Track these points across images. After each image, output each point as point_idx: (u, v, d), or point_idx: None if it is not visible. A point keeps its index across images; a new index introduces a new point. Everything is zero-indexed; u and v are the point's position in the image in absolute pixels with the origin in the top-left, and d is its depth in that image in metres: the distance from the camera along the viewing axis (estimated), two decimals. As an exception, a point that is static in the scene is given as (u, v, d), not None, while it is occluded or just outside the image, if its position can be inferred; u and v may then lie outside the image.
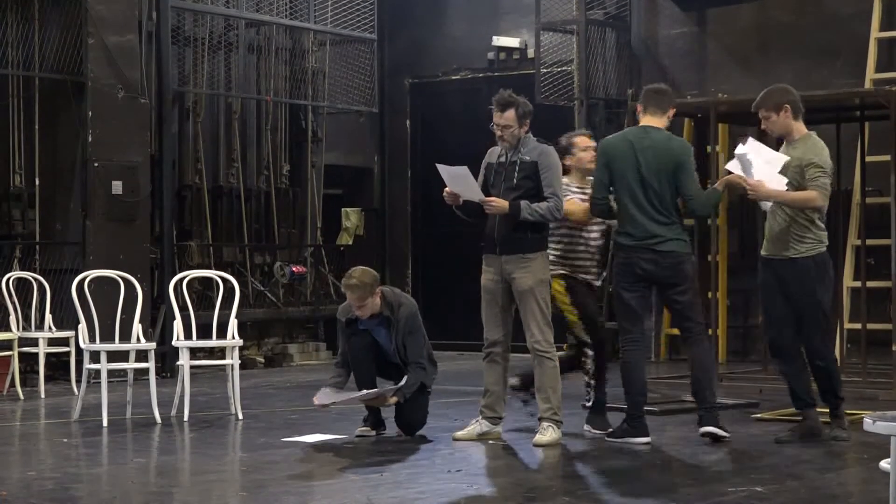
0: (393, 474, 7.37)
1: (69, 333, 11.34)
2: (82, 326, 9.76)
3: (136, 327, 9.98)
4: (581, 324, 8.75)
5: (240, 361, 10.11)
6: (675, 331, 14.29)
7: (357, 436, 8.72)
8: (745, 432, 8.72)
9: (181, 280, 10.30)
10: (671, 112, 8.49)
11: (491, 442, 8.44)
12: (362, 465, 7.76)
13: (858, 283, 11.98)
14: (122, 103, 12.60)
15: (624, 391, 8.42)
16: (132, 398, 9.86)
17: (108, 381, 9.48)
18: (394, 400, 8.62)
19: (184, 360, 9.77)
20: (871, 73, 13.33)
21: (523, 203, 8.26)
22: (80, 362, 10.32)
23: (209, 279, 12.00)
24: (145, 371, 9.85)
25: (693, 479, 7.21)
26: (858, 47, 13.50)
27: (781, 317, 8.36)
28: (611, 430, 8.56)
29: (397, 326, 8.67)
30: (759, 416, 9.53)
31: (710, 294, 11.47)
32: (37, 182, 12.67)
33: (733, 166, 8.28)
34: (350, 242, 15.65)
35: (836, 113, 11.85)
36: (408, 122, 16.70)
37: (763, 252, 8.46)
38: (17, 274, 11.74)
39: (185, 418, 9.63)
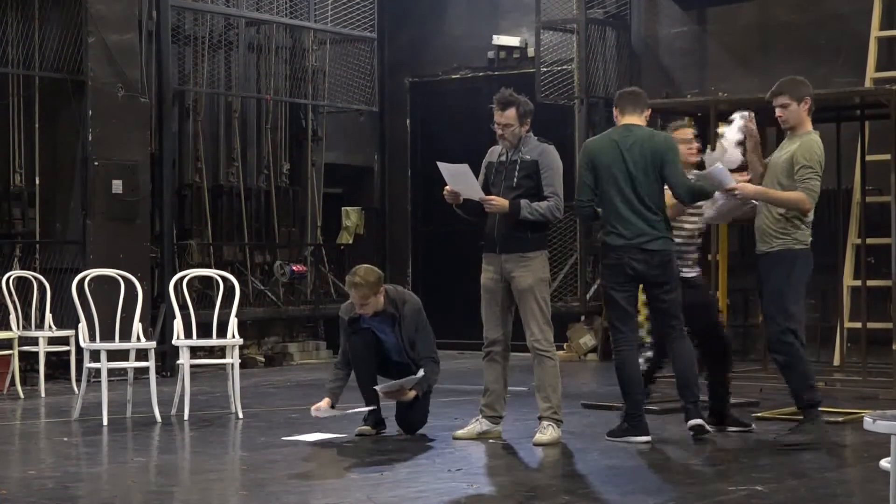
0: (393, 473, 7.37)
1: (69, 332, 11.35)
2: (82, 325, 9.76)
3: (137, 326, 9.98)
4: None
5: (240, 360, 10.10)
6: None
7: (357, 434, 8.71)
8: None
9: (181, 279, 10.30)
10: (647, 112, 8.52)
11: (491, 441, 8.43)
12: (363, 463, 7.76)
13: (858, 282, 11.98)
14: (123, 102, 12.60)
15: (622, 391, 8.42)
16: (132, 397, 9.86)
17: (109, 380, 9.48)
18: (412, 394, 8.62)
19: (184, 359, 9.77)
20: (871, 72, 13.34)
21: (523, 202, 8.26)
22: (80, 361, 10.32)
23: (209, 278, 12.01)
24: (145, 370, 9.85)
25: (693, 478, 7.21)
26: (858, 46, 13.50)
27: None
28: (612, 429, 8.57)
29: (402, 324, 8.67)
30: (759, 414, 9.53)
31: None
32: (37, 181, 12.67)
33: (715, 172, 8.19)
34: (350, 241, 15.65)
35: (837, 112, 11.85)
36: (408, 122, 16.71)
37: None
38: (17, 273, 11.74)
39: (186, 417, 9.63)
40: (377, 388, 8.63)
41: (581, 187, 8.36)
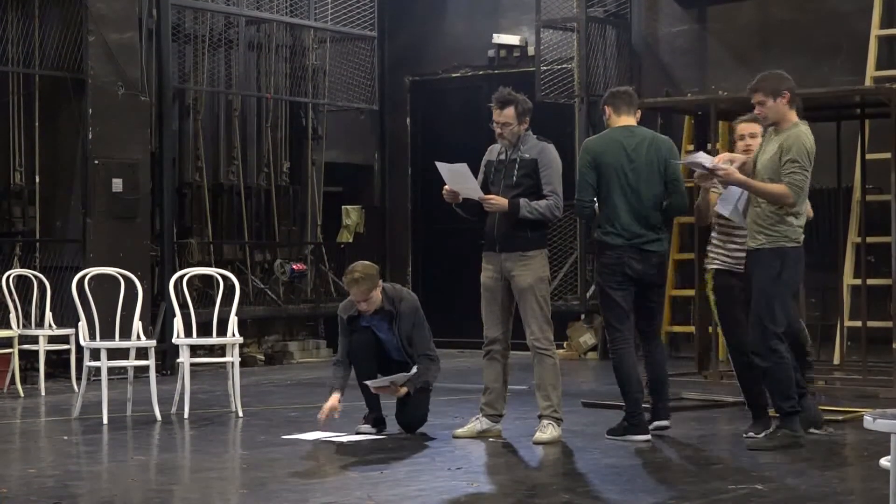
0: (393, 472, 7.37)
1: (69, 331, 11.35)
2: (82, 324, 9.76)
3: (137, 325, 9.98)
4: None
5: (240, 359, 10.10)
6: (676, 328, 14.37)
7: (357, 433, 8.71)
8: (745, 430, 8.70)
9: (181, 277, 10.30)
10: (639, 113, 8.56)
11: (491, 440, 8.43)
12: (362, 462, 7.76)
13: (858, 281, 11.98)
14: (123, 101, 12.60)
15: (621, 390, 8.42)
16: (132, 395, 9.86)
17: (109, 379, 9.48)
18: (404, 391, 8.61)
19: (184, 358, 9.77)
20: (871, 71, 13.33)
21: (522, 201, 8.26)
22: (80, 360, 10.32)
23: (209, 277, 12.03)
24: (145, 368, 9.86)
25: (693, 477, 7.21)
26: (859, 45, 13.50)
27: None
28: (612, 427, 8.57)
29: (400, 321, 8.67)
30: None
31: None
32: (37, 179, 12.67)
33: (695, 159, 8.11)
34: (350, 240, 15.65)
35: (837, 110, 11.85)
36: (408, 120, 16.70)
37: None
38: (17, 271, 11.75)
39: (186, 416, 9.63)
40: (367, 382, 8.62)
41: (583, 186, 8.35)
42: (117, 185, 12.50)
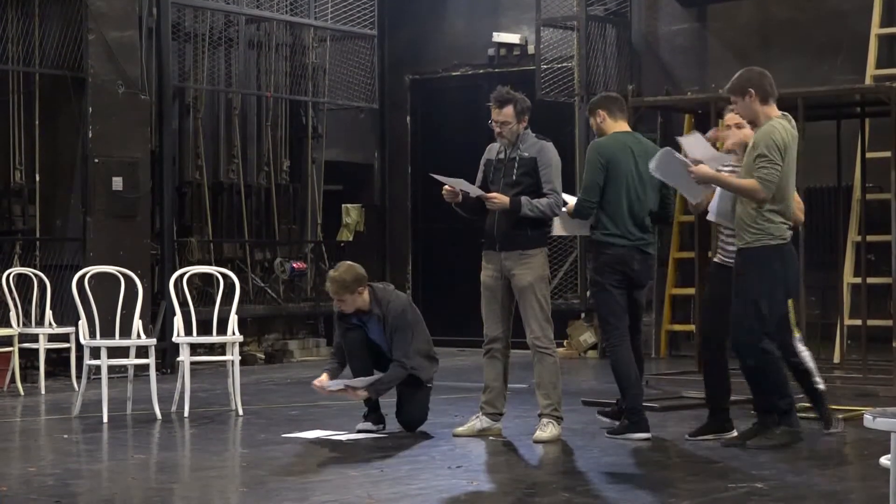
0: (393, 470, 7.37)
1: (69, 329, 11.35)
2: (82, 322, 9.76)
3: (137, 323, 9.98)
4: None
5: (240, 358, 10.11)
6: (676, 327, 14.37)
7: (357, 431, 8.71)
8: (745, 428, 8.69)
9: (181, 276, 10.30)
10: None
11: (491, 438, 8.44)
12: (362, 461, 7.76)
13: (858, 280, 11.98)
14: (123, 99, 12.60)
15: (620, 387, 8.44)
16: (132, 394, 9.86)
17: (109, 377, 9.48)
18: (364, 395, 8.57)
19: (184, 357, 9.77)
20: (871, 70, 13.33)
21: (524, 199, 8.27)
22: (80, 358, 10.33)
23: (209, 275, 12.03)
24: (145, 367, 9.86)
25: (693, 476, 7.21)
26: (859, 44, 13.50)
27: None
28: (612, 427, 8.59)
29: (385, 323, 8.66)
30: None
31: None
32: (37, 178, 12.66)
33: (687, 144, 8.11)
34: (350, 239, 15.64)
35: (837, 109, 11.86)
36: (408, 119, 16.70)
37: None
38: (17, 270, 11.74)
39: (186, 414, 9.63)
40: (322, 384, 8.57)
41: (592, 187, 8.43)
42: (117, 183, 12.50)
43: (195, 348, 11.79)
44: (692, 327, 13.29)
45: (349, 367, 8.80)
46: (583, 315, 14.92)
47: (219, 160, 14.51)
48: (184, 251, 13.76)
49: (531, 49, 15.44)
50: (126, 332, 10.12)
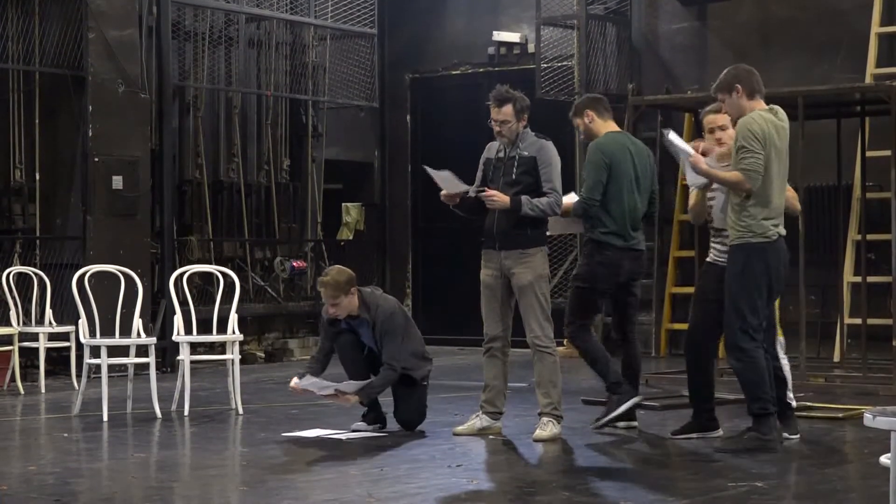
0: (393, 469, 7.38)
1: (69, 328, 11.35)
2: (83, 321, 9.76)
3: (137, 322, 9.98)
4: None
5: (240, 356, 10.11)
6: (676, 326, 14.36)
7: (357, 430, 8.71)
8: (745, 427, 8.69)
9: (181, 275, 10.30)
10: None
11: (491, 437, 8.44)
12: (362, 459, 7.76)
13: (859, 279, 11.98)
14: (123, 98, 12.59)
15: (598, 370, 8.72)
16: (132, 393, 9.86)
17: (109, 376, 9.48)
18: (355, 399, 8.57)
19: (184, 355, 9.77)
20: (871, 69, 13.33)
21: (524, 198, 8.26)
22: (80, 357, 10.33)
23: (209, 274, 12.02)
24: (146, 366, 9.86)
25: (693, 474, 7.21)
26: (859, 42, 13.49)
27: None
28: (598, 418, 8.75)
29: (375, 327, 8.65)
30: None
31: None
32: (37, 177, 12.66)
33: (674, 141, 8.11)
34: (350, 237, 15.64)
35: (837, 108, 11.86)
36: (408, 117, 16.70)
37: None
38: (17, 269, 11.74)
39: (186, 413, 9.63)
40: (308, 386, 8.56)
41: (596, 186, 8.52)
42: (117, 182, 12.50)
43: (195, 347, 11.80)
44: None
45: (344, 372, 8.80)
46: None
47: (219, 159, 14.50)
48: (184, 250, 13.75)
49: (531, 48, 15.43)
50: (126, 330, 10.12)
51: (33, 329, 11.49)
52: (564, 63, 14.97)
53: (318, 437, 8.55)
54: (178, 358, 9.96)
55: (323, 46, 15.38)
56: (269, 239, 14.77)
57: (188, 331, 10.26)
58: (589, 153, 8.67)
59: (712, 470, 7.30)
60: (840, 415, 9.14)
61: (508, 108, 8.35)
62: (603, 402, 9.48)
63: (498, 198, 8.27)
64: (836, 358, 12.36)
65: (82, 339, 9.70)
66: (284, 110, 15.07)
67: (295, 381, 8.69)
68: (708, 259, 8.42)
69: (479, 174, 8.57)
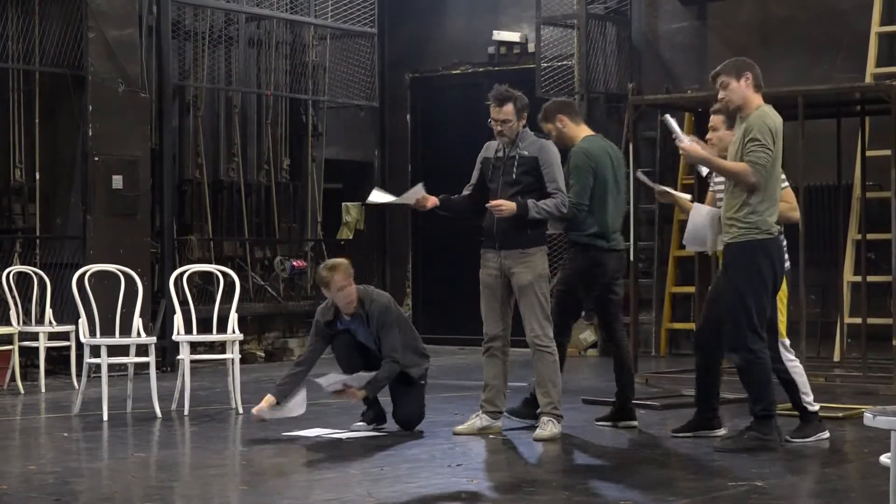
0: (393, 468, 7.37)
1: (69, 328, 11.35)
2: (83, 321, 9.76)
3: (137, 321, 9.98)
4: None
5: (240, 356, 10.11)
6: (676, 325, 14.37)
7: (356, 430, 8.71)
8: (744, 427, 8.69)
9: (181, 274, 10.30)
10: None
11: (491, 436, 8.44)
12: (362, 459, 7.76)
13: (858, 278, 11.98)
14: (123, 97, 12.59)
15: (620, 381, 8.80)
16: (132, 392, 9.86)
17: (109, 376, 9.48)
18: (362, 394, 8.56)
19: (184, 355, 9.77)
20: (871, 68, 13.33)
21: (530, 202, 8.24)
22: (80, 356, 10.33)
23: (209, 273, 12.01)
24: (146, 365, 9.86)
25: (693, 474, 7.21)
26: (859, 42, 13.50)
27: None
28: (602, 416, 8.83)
29: (371, 323, 8.65)
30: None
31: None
32: (37, 176, 12.66)
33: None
34: (350, 237, 15.64)
35: (837, 107, 11.86)
36: (408, 117, 16.70)
37: None
38: (17, 268, 11.74)
39: (186, 413, 9.63)
40: (321, 381, 8.56)
41: (585, 190, 8.62)
42: (117, 181, 12.50)
43: (195, 346, 11.80)
44: (692, 325, 13.28)
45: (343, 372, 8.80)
46: (583, 313, 14.90)
47: (219, 158, 14.50)
48: (184, 249, 13.75)
49: (531, 47, 15.43)
50: (126, 330, 10.12)
51: (33, 328, 11.49)
52: (564, 63, 14.98)
53: (318, 436, 8.55)
54: (178, 357, 9.96)
55: (323, 46, 15.38)
56: (269, 238, 14.77)
57: (188, 330, 10.26)
58: (575, 158, 8.71)
59: (712, 470, 7.30)
60: (840, 414, 9.14)
61: (509, 107, 8.35)
62: (604, 402, 9.49)
63: (505, 206, 8.25)
64: (836, 357, 12.36)
65: (82, 339, 9.70)
66: (284, 110, 15.06)
67: (264, 406, 8.63)
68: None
69: (475, 174, 8.57)
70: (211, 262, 13.10)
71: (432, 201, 8.45)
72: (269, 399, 8.67)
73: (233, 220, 14.46)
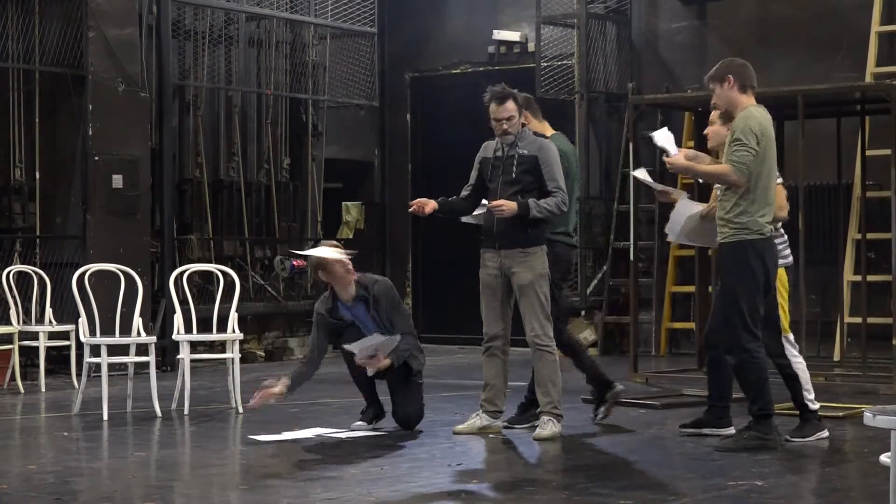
0: (393, 468, 7.38)
1: (69, 327, 11.35)
2: (83, 320, 9.76)
3: (137, 321, 9.98)
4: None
5: (240, 355, 10.11)
6: (676, 325, 14.37)
7: (356, 428, 8.72)
8: (744, 426, 8.69)
9: (181, 274, 10.30)
10: None
11: (491, 436, 8.44)
12: (362, 458, 7.76)
13: (859, 278, 11.99)
14: (123, 97, 12.59)
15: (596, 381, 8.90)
16: (132, 392, 9.86)
17: (109, 375, 9.48)
18: (388, 362, 8.53)
19: (184, 354, 9.77)
20: (871, 67, 13.33)
21: (531, 202, 8.24)
22: (80, 356, 10.33)
23: (209, 273, 12.01)
24: (146, 365, 9.86)
25: (693, 473, 7.21)
26: (859, 41, 13.50)
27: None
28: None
29: (377, 304, 8.65)
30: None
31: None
32: (37, 175, 12.66)
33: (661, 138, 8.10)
34: (350, 236, 15.64)
35: (837, 107, 11.86)
36: (408, 116, 16.70)
37: None
38: (17, 267, 11.74)
39: (186, 412, 9.63)
40: (350, 346, 8.50)
41: (564, 187, 8.58)
42: (117, 181, 12.50)
43: (195, 346, 11.80)
44: (692, 325, 13.30)
45: (348, 370, 8.80)
46: (583, 313, 14.92)
47: (219, 158, 14.50)
48: (184, 249, 13.75)
49: (531, 47, 15.43)
50: (126, 329, 10.12)
51: (33, 328, 11.49)
52: (564, 62, 14.98)
53: (318, 436, 8.54)
54: (178, 357, 9.96)
55: (323, 45, 15.38)
56: (269, 238, 14.77)
57: (188, 329, 10.26)
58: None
59: (712, 470, 7.30)
60: (840, 414, 9.14)
61: (511, 104, 8.36)
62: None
63: (506, 206, 8.25)
64: (836, 357, 12.37)
65: (82, 338, 9.70)
66: (284, 109, 15.06)
67: (274, 394, 8.64)
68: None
69: (474, 173, 8.56)
70: (211, 262, 13.10)
71: (431, 205, 8.42)
72: (284, 385, 8.59)
73: (233, 219, 14.46)
